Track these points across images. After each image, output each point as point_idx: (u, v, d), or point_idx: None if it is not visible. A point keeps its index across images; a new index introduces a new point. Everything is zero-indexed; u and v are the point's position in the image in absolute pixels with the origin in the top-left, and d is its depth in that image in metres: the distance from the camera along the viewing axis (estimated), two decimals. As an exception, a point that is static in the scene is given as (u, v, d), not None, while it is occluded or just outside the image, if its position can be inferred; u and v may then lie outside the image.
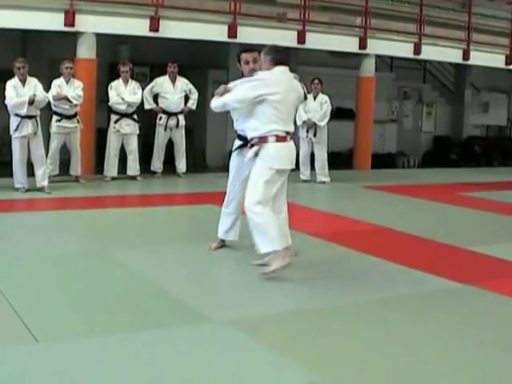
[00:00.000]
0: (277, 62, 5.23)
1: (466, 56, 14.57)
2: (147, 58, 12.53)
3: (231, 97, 5.33)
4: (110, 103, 10.23)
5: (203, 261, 5.75)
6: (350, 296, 4.89)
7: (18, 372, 3.37)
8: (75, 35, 10.35)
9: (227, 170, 5.95)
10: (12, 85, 8.58)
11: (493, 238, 7.19)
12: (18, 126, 8.63)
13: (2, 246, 5.99)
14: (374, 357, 3.77)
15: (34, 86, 8.67)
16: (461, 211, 8.83)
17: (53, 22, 9.98)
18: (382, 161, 14.88)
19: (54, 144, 9.64)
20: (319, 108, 10.78)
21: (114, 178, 10.27)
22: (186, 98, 10.86)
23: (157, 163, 10.86)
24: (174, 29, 10.94)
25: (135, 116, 10.34)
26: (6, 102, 8.64)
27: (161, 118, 10.75)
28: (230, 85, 5.46)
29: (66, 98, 9.44)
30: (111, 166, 10.26)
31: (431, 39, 13.88)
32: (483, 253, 6.30)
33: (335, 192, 10.62)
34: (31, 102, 8.55)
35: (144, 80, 11.82)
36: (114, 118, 10.26)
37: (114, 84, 10.24)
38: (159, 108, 10.75)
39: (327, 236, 6.81)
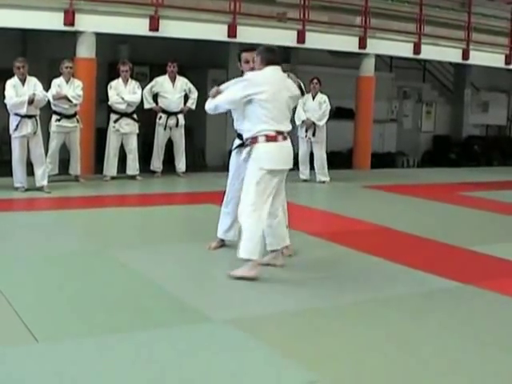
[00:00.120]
0: (268, 62, 5.24)
1: (465, 56, 14.57)
2: (147, 58, 12.52)
3: (222, 98, 5.37)
4: (109, 103, 10.23)
5: (203, 260, 5.74)
6: (350, 296, 4.89)
7: (17, 372, 3.37)
8: (75, 35, 10.35)
9: (227, 170, 5.96)
10: (12, 84, 8.58)
11: (493, 237, 7.19)
12: (17, 126, 8.63)
13: (1, 246, 5.99)
14: (374, 356, 3.77)
15: (33, 85, 8.67)
16: (460, 211, 8.83)
17: (52, 21, 9.98)
18: (382, 160, 14.87)
19: (54, 143, 9.64)
20: (318, 107, 10.78)
21: (113, 178, 10.27)
22: (186, 98, 10.86)
23: (156, 163, 10.85)
24: (174, 28, 10.93)
25: (135, 115, 10.34)
26: (5, 101, 8.64)
27: (160, 118, 10.75)
28: (222, 86, 5.51)
29: (66, 98, 9.44)
30: (111, 166, 10.26)
31: (431, 39, 13.88)
32: (483, 252, 6.30)
33: (335, 192, 10.62)
34: (31, 102, 8.55)
35: (144, 79, 11.81)
36: (113, 117, 10.25)
37: (113, 83, 10.24)
38: (159, 107, 10.75)
39: (327, 236, 6.81)
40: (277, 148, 5.18)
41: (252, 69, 5.46)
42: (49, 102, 9.22)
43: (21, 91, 8.58)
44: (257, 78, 5.22)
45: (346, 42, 12.89)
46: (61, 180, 9.62)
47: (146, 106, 10.67)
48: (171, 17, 10.89)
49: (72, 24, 10.08)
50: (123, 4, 10.45)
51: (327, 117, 10.85)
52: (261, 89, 5.13)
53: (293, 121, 10.81)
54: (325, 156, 10.95)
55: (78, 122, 9.72)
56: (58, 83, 9.49)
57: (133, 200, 9.25)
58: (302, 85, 5.58)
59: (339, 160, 13.32)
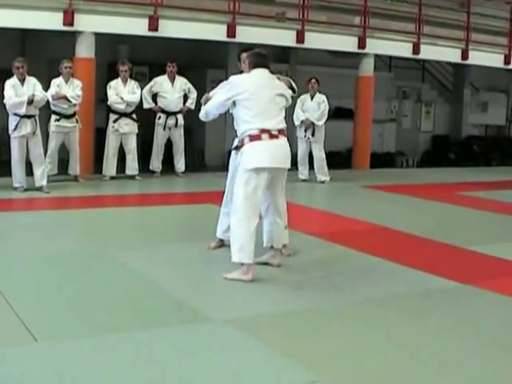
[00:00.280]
0: (255, 65, 5.29)
1: (464, 55, 14.57)
2: (146, 58, 12.52)
3: (210, 104, 5.41)
4: (108, 103, 10.22)
5: (202, 260, 5.75)
6: (349, 295, 4.90)
7: (17, 372, 3.37)
8: (74, 34, 10.34)
9: (226, 170, 5.96)
10: (11, 84, 8.57)
11: (492, 237, 7.19)
12: (16, 126, 8.62)
13: (1, 246, 5.99)
14: (373, 356, 3.77)
15: (32, 85, 8.67)
16: (459, 211, 8.84)
17: (52, 21, 9.97)
18: (381, 160, 14.88)
19: (53, 143, 9.64)
20: (317, 107, 10.77)
21: (112, 178, 10.27)
22: (185, 98, 10.86)
23: (156, 163, 10.86)
24: (173, 28, 10.94)
25: (134, 115, 10.34)
26: (4, 101, 8.64)
27: (160, 118, 10.75)
28: (211, 93, 5.55)
29: (65, 98, 9.44)
30: (110, 166, 10.26)
31: (430, 39, 13.88)
32: (482, 252, 6.30)
33: (334, 191, 10.62)
34: (30, 102, 8.55)
35: (143, 79, 11.81)
36: (112, 117, 10.25)
37: (112, 83, 10.23)
38: (158, 107, 10.75)
39: (326, 235, 6.81)
40: (261, 146, 5.11)
41: None
42: (48, 101, 9.22)
43: (20, 91, 8.58)
44: (238, 80, 5.27)
45: (345, 42, 12.89)
46: (60, 180, 9.62)
47: (146, 105, 10.67)
48: (170, 17, 10.89)
49: (71, 24, 10.08)
50: (122, 4, 10.45)
51: (326, 117, 10.85)
52: (241, 89, 5.15)
53: (291, 120, 10.95)
54: (324, 156, 10.95)
55: (77, 122, 9.72)
56: (58, 83, 9.48)
57: (132, 200, 9.26)
58: (292, 83, 5.59)
59: (338, 160, 13.32)
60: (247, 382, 3.44)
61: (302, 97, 10.79)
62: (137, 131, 10.39)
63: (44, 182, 8.85)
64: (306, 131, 10.81)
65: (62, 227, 6.95)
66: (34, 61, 9.74)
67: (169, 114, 10.72)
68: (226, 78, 5.51)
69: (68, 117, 9.62)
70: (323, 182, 10.90)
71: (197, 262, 5.67)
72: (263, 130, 5.12)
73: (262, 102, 5.15)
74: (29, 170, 8.88)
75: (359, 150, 13.56)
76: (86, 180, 9.96)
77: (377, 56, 13.71)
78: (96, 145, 10.75)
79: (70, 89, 9.51)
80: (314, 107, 10.77)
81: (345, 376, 3.53)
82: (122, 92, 10.15)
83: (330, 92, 11.16)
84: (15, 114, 8.61)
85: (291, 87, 5.54)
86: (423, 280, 5.35)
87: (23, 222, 7.18)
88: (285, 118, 5.38)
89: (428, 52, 13.99)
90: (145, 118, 10.90)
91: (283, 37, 12.11)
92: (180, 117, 10.81)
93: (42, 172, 8.86)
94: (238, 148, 5.39)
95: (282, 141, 5.22)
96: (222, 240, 6.00)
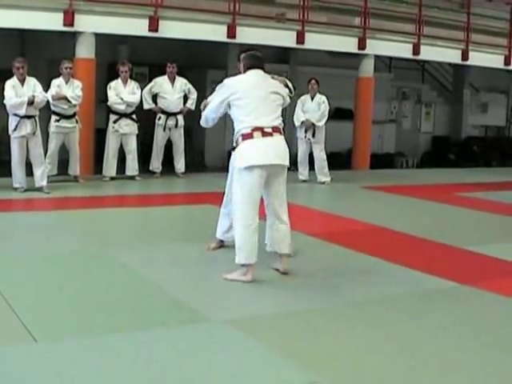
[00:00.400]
0: (249, 67, 5.32)
1: (464, 56, 14.58)
2: (146, 58, 12.53)
3: (208, 109, 5.43)
4: (108, 103, 10.23)
5: (202, 261, 5.75)
6: (349, 296, 4.91)
7: (17, 372, 3.38)
8: (74, 35, 10.35)
9: (226, 170, 5.96)
10: (11, 85, 8.58)
11: (490, 238, 7.20)
12: (16, 126, 8.63)
13: (1, 246, 5.99)
14: (373, 357, 3.78)
15: (32, 85, 8.67)
16: (459, 211, 8.84)
17: (52, 21, 9.98)
18: (381, 161, 14.88)
19: (53, 144, 9.64)
20: (317, 108, 10.77)
21: (112, 178, 10.28)
22: (185, 98, 10.87)
23: (156, 163, 10.86)
24: (173, 29, 10.95)
25: (134, 116, 10.35)
26: (4, 101, 8.64)
27: (160, 118, 10.76)
28: (209, 98, 5.59)
29: (65, 98, 9.44)
30: (110, 166, 10.27)
31: (430, 39, 13.89)
32: (481, 253, 6.31)
33: (334, 192, 10.63)
34: (30, 103, 8.55)
35: (143, 80, 11.81)
36: (112, 117, 10.26)
37: (112, 84, 10.24)
38: (158, 108, 10.76)
39: (325, 236, 6.82)
40: (253, 144, 5.10)
41: None
42: (48, 102, 9.23)
43: (20, 92, 8.58)
44: (232, 82, 5.29)
45: (345, 43, 12.90)
46: (60, 180, 9.62)
47: (146, 106, 10.68)
48: (170, 17, 10.90)
49: (71, 24, 10.09)
50: (122, 5, 10.46)
51: (326, 117, 10.85)
52: (234, 90, 5.18)
53: (291, 121, 10.96)
54: (324, 156, 10.95)
55: (77, 122, 9.72)
56: (58, 84, 9.49)
57: (132, 200, 9.26)
58: (288, 82, 5.59)
59: (338, 161, 13.32)
60: (247, 382, 3.44)
61: (303, 98, 10.81)
62: (137, 132, 10.40)
63: (44, 183, 8.85)
64: (306, 132, 10.82)
65: (62, 227, 6.95)
66: (33, 61, 9.75)
67: (169, 114, 10.73)
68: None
69: (68, 117, 9.62)
70: (323, 182, 10.90)
71: (197, 263, 5.68)
72: (256, 128, 5.10)
73: (254, 101, 5.15)
74: (29, 171, 8.89)
75: (359, 150, 13.57)
76: (85, 180, 9.96)
77: (377, 57, 13.72)
78: (96, 145, 10.75)
79: (70, 89, 9.52)
80: (314, 108, 10.77)
81: (344, 376, 3.53)
82: (122, 93, 10.16)
83: (329, 93, 11.17)
84: (15, 115, 8.62)
85: (287, 86, 5.54)
86: (422, 280, 5.36)
87: (23, 222, 7.19)
88: (282, 117, 5.38)
89: (428, 53, 14.00)
90: (145, 118, 10.91)
91: (283, 37, 12.12)
92: (180, 117, 10.81)
93: (42, 172, 8.86)
94: (234, 148, 5.40)
95: (277, 138, 5.18)
96: (221, 241, 6.01)
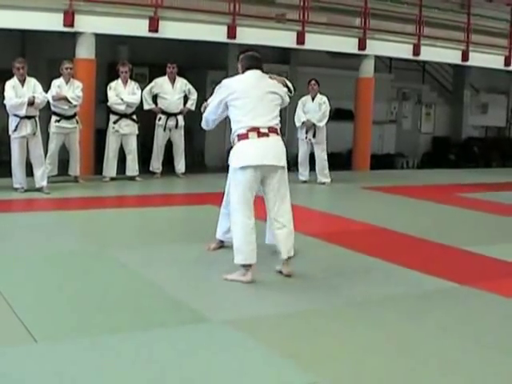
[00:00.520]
0: (247, 67, 5.33)
1: (464, 57, 14.59)
2: (146, 59, 12.53)
3: (207, 111, 5.45)
4: (109, 103, 10.24)
5: (202, 261, 5.75)
6: (348, 296, 4.91)
7: (17, 372, 3.38)
8: (74, 35, 10.36)
9: (226, 171, 5.94)
10: (11, 85, 8.58)
11: (490, 238, 7.21)
12: (16, 127, 8.63)
13: (1, 246, 6.00)
14: (373, 357, 3.78)
15: (33, 86, 8.68)
16: (459, 212, 8.85)
17: (52, 22, 9.99)
18: (381, 162, 14.88)
19: (53, 144, 9.65)
20: (318, 109, 10.78)
21: (112, 179, 10.28)
22: (186, 99, 10.88)
23: (156, 164, 10.87)
24: (173, 29, 10.95)
25: (134, 116, 10.35)
26: (5, 102, 8.65)
27: (160, 119, 10.77)
28: (209, 100, 5.60)
29: (66, 99, 9.45)
30: (110, 167, 10.27)
31: (430, 40, 13.90)
32: (480, 253, 6.31)
33: (334, 192, 10.63)
34: (31, 103, 8.56)
35: (143, 80, 11.82)
36: (113, 118, 10.26)
37: (113, 84, 10.25)
38: (158, 108, 10.76)
39: (325, 236, 6.82)
40: (248, 145, 5.10)
41: None
42: (48, 102, 9.23)
43: (20, 92, 8.59)
44: (229, 82, 5.30)
45: (346, 43, 12.91)
46: (60, 181, 9.63)
47: (146, 107, 10.68)
48: (170, 18, 10.91)
49: (72, 25, 10.10)
50: (123, 5, 10.47)
51: (327, 118, 10.85)
52: (232, 90, 5.19)
53: (292, 122, 10.96)
54: (326, 157, 10.94)
55: (77, 122, 9.73)
56: (58, 84, 9.49)
57: (132, 201, 9.26)
58: (287, 82, 5.59)
59: (338, 161, 13.32)
60: (247, 382, 3.44)
61: (303, 98, 10.82)
62: (137, 132, 10.41)
63: (44, 183, 8.86)
64: (307, 133, 10.82)
65: (62, 228, 6.95)
66: (34, 61, 9.77)
67: (169, 115, 10.74)
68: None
69: (68, 118, 9.63)
70: (324, 183, 10.90)
71: (197, 263, 5.68)
72: (251, 129, 5.10)
73: (251, 101, 5.14)
74: (29, 171, 8.89)
75: (359, 151, 13.57)
76: (86, 181, 9.97)
77: (377, 57, 13.73)
78: (96, 146, 10.76)
79: (70, 90, 9.52)
80: (315, 108, 10.77)
81: (344, 376, 3.53)
82: (123, 93, 10.16)
83: (330, 93, 11.17)
84: (15, 115, 8.62)
85: (287, 86, 5.54)
86: (421, 280, 5.36)
87: (23, 222, 7.19)
88: (281, 117, 5.38)
89: (428, 53, 14.01)
90: (145, 119, 10.91)
91: (283, 38, 12.13)
92: (180, 118, 10.82)
93: (42, 173, 8.87)
94: (231, 148, 5.41)
95: (273, 139, 5.17)
96: (221, 241, 6.00)
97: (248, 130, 5.10)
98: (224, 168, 6.23)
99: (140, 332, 4.00)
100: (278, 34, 11.98)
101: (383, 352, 3.87)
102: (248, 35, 11.40)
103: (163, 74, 10.79)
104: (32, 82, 8.70)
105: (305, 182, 10.94)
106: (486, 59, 14.93)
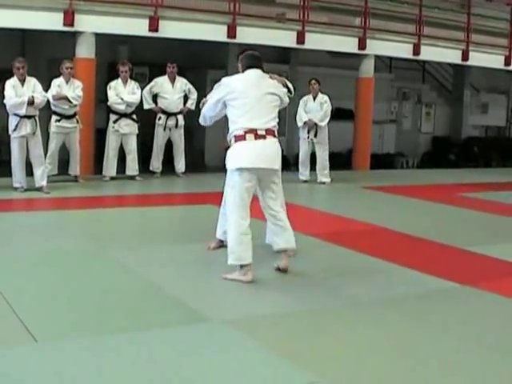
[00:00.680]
0: (247, 66, 5.32)
1: (465, 57, 14.58)
2: (146, 58, 12.52)
3: (205, 108, 5.45)
4: (109, 103, 10.23)
5: (202, 261, 5.75)
6: (349, 296, 4.90)
7: (17, 372, 3.38)
8: (74, 35, 10.35)
9: (226, 171, 5.94)
10: (11, 84, 8.58)
11: (491, 238, 7.20)
12: (16, 126, 8.63)
13: (1, 246, 5.99)
14: (373, 357, 3.77)
15: (33, 85, 8.67)
16: (459, 212, 8.84)
17: (52, 21, 9.98)
18: (381, 161, 14.89)
19: (53, 144, 9.64)
20: (319, 108, 10.77)
21: (112, 178, 10.28)
22: (186, 98, 10.87)
23: (156, 163, 10.87)
24: (173, 29, 10.95)
25: (134, 116, 10.35)
26: (4, 101, 8.64)
27: (160, 118, 10.77)
28: (208, 96, 5.60)
29: (66, 98, 9.45)
30: (110, 166, 10.27)
31: (430, 40, 13.89)
32: (481, 253, 6.31)
33: (334, 192, 10.63)
34: (31, 103, 8.55)
35: (143, 80, 11.82)
36: (113, 117, 10.26)
37: (113, 84, 10.24)
38: (158, 108, 10.76)
39: (325, 236, 6.82)
40: (245, 147, 5.10)
41: None
42: (48, 102, 9.23)
43: (20, 91, 8.58)
44: (229, 81, 5.29)
45: (346, 43, 12.90)
46: (60, 180, 9.62)
47: (146, 106, 10.68)
48: (170, 17, 10.91)
49: (72, 24, 10.09)
50: (123, 4, 10.46)
51: (329, 117, 10.84)
52: (231, 89, 5.18)
53: (294, 121, 10.95)
54: (327, 157, 10.93)
55: (77, 122, 9.72)
56: (58, 83, 9.49)
57: (132, 200, 9.26)
58: (288, 83, 5.58)
59: (339, 161, 13.31)
60: (246, 382, 3.44)
61: (305, 98, 10.82)
62: (137, 132, 10.41)
63: (44, 183, 8.85)
64: (309, 132, 10.81)
65: (61, 228, 6.95)
66: (34, 61, 9.76)
67: (169, 114, 10.74)
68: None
69: (68, 117, 9.62)
70: (324, 183, 10.89)
71: (196, 263, 5.68)
72: (248, 130, 5.09)
73: (249, 102, 5.13)
74: (29, 171, 8.89)
75: (359, 150, 13.57)
76: (86, 180, 9.96)
77: (377, 57, 13.72)
78: (96, 145, 10.76)
79: (70, 89, 9.52)
80: (316, 108, 10.76)
81: (344, 376, 3.53)
82: (122, 93, 10.16)
83: (330, 93, 11.16)
84: (15, 115, 8.62)
85: (287, 86, 5.52)
86: (422, 280, 5.35)
87: (23, 222, 7.19)
88: (280, 117, 5.37)
89: (428, 53, 14.01)
90: (145, 118, 10.91)
91: (283, 37, 12.12)
92: (180, 117, 10.82)
93: (42, 172, 8.86)
94: (228, 148, 5.40)
95: (270, 141, 5.16)
96: (221, 241, 6.00)
97: (245, 132, 5.09)
98: (224, 168, 6.23)
99: (140, 332, 4.00)
100: (278, 33, 11.97)
101: (383, 352, 3.87)
102: (248, 35, 11.40)
103: (163, 73, 10.79)
104: (32, 81, 8.70)
105: (305, 181, 10.93)
106: (486, 59, 14.93)
